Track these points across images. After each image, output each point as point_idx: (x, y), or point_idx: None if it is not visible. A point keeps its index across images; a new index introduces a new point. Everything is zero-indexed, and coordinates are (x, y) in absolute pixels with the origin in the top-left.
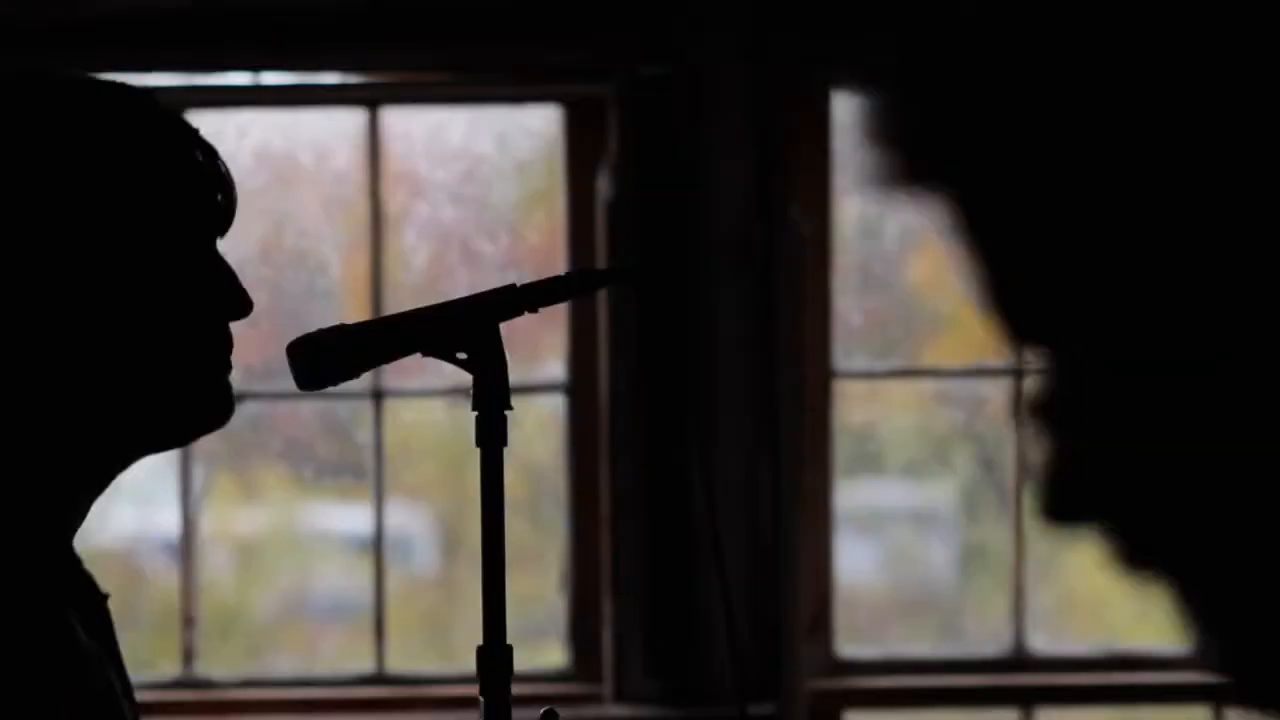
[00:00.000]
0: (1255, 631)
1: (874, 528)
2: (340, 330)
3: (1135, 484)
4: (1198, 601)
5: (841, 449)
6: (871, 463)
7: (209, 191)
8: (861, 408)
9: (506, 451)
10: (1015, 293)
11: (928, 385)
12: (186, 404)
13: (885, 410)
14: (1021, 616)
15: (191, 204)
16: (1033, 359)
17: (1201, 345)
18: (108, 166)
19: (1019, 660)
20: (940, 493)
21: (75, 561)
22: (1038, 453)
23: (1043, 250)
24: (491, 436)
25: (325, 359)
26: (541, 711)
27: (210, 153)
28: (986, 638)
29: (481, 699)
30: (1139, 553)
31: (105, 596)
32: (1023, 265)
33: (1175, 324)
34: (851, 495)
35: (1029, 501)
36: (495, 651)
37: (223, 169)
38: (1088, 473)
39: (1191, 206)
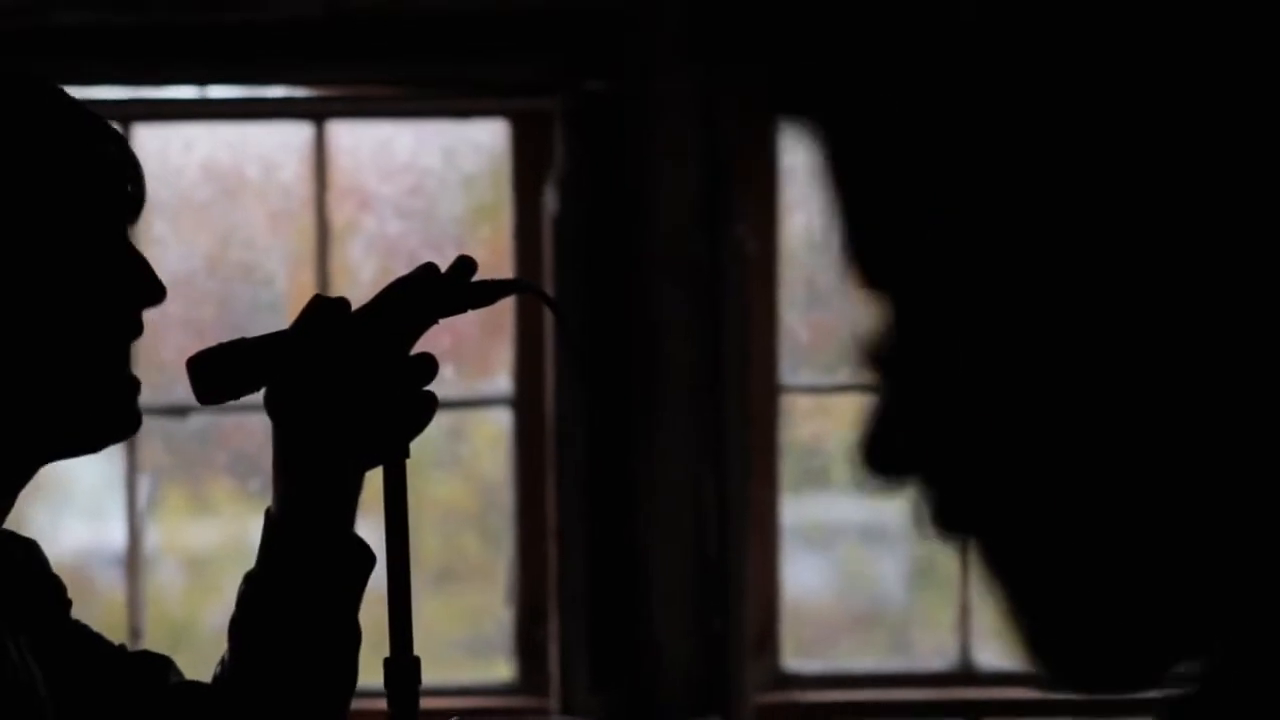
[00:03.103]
0: (1059, 612)
1: (822, 542)
2: (238, 344)
3: (957, 443)
4: (1004, 575)
5: (789, 464)
6: (819, 478)
7: (115, 179)
8: (809, 422)
9: (456, 465)
10: (868, 233)
11: None
12: (93, 405)
13: (833, 425)
14: (969, 631)
15: (97, 192)
16: (874, 305)
17: (1043, 307)
18: (8, 156)
19: (966, 674)
20: (888, 508)
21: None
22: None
23: (895, 193)
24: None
25: (220, 372)
26: None
27: (117, 140)
28: (934, 652)
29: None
30: (951, 514)
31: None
32: (877, 205)
33: (1018, 284)
34: (799, 510)
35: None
36: (402, 663)
37: (130, 156)
38: (912, 426)
39: (1050, 157)
